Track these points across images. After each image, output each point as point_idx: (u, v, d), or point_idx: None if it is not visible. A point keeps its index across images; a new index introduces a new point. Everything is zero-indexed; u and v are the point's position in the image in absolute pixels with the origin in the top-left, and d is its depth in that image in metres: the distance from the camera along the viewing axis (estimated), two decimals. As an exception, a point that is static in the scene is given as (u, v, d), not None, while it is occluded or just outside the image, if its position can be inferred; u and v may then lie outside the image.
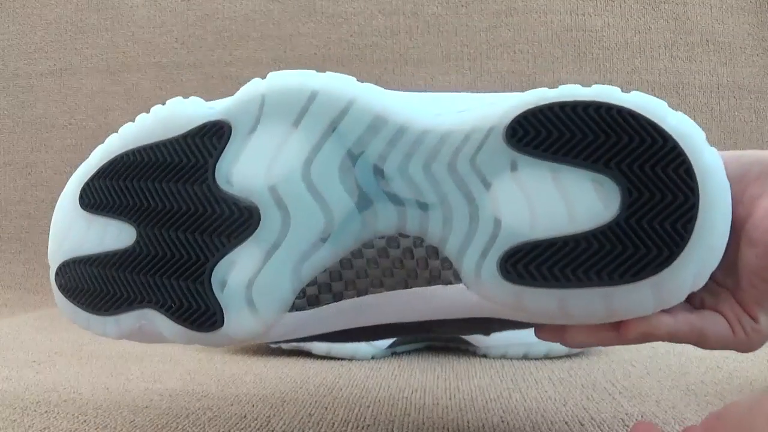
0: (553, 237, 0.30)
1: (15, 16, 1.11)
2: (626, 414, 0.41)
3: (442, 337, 0.59)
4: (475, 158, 0.31)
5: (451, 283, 0.36)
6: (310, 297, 0.38)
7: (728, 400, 0.44)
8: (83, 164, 0.37)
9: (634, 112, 0.30)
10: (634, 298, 0.30)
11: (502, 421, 0.40)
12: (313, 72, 0.34)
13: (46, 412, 0.42)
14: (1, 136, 1.07)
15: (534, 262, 0.30)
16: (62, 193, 0.37)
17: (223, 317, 0.33)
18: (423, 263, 0.37)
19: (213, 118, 0.34)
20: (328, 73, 0.34)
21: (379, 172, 0.32)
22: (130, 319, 0.35)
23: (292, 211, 0.32)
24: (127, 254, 0.35)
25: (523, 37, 0.92)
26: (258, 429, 0.39)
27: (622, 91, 0.30)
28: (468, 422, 0.40)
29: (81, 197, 0.36)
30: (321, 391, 0.46)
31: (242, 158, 0.33)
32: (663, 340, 0.31)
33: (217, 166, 0.33)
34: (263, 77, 0.34)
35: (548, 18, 0.92)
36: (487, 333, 0.40)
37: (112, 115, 1.01)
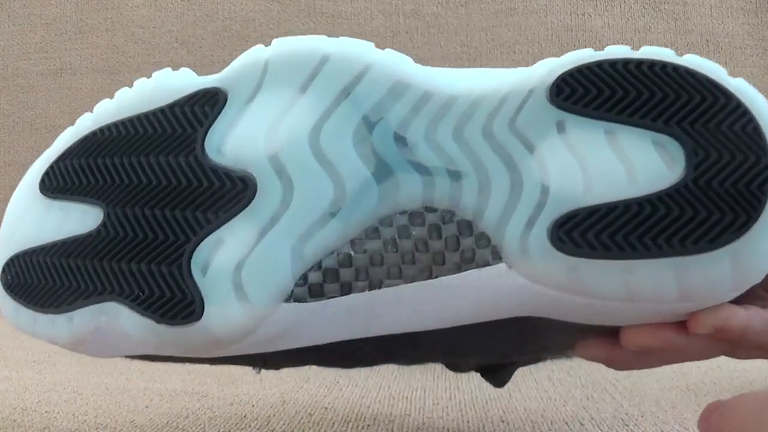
0: (613, 201, 0.27)
1: (15, 16, 1.11)
2: (626, 414, 0.41)
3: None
4: (514, 121, 0.28)
5: (488, 263, 0.30)
6: (312, 286, 0.31)
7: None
8: (47, 150, 0.33)
9: (691, 70, 0.28)
10: (711, 271, 0.27)
11: (502, 421, 0.40)
12: (325, 36, 0.31)
13: (46, 412, 0.42)
14: (1, 136, 1.07)
15: (592, 229, 0.27)
16: (20, 182, 0.34)
17: (202, 306, 0.28)
18: (453, 242, 0.31)
19: (206, 86, 0.31)
20: (342, 37, 0.31)
21: (400, 139, 0.29)
22: (86, 315, 0.30)
23: (295, 180, 0.29)
24: (90, 239, 0.30)
25: (523, 37, 0.92)
26: (258, 429, 0.39)
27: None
28: (468, 422, 0.40)
29: (42, 182, 0.33)
30: (321, 391, 0.46)
31: (238, 127, 0.30)
32: (734, 338, 0.28)
33: (207, 134, 0.30)
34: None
35: (548, 18, 0.92)
36: (521, 355, 0.35)
37: (112, 115, 1.01)
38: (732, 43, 0.89)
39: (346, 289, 0.31)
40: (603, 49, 0.29)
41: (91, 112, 0.32)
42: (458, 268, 0.31)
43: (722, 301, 0.27)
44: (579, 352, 0.31)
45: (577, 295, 0.28)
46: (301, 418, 0.41)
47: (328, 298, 0.30)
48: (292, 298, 0.30)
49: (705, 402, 0.43)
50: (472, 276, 0.30)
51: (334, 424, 0.40)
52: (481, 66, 0.93)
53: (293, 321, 0.30)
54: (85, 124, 0.32)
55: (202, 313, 0.28)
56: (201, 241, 0.29)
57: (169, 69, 0.32)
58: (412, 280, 0.31)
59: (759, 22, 0.91)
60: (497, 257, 0.30)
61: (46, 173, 0.32)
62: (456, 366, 0.37)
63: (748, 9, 0.91)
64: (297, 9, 0.97)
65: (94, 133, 0.31)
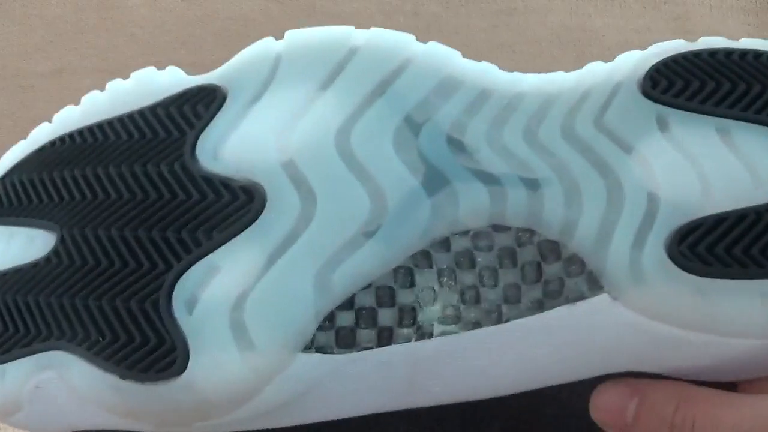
0: (741, 208, 0.23)
1: (15, 16, 1.11)
2: (626, 414, 0.41)
3: None
4: (601, 118, 0.25)
5: (583, 297, 0.24)
6: (341, 330, 0.24)
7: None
8: None
9: None
10: None
11: (502, 421, 0.40)
12: (353, 28, 0.26)
13: (46, 412, 0.42)
14: (1, 136, 1.07)
15: (722, 242, 0.23)
16: None
17: (186, 354, 0.21)
18: (532, 271, 0.25)
19: (200, 83, 0.26)
20: (374, 29, 0.26)
21: (456, 143, 0.24)
22: (24, 368, 0.23)
23: (319, 191, 0.23)
24: (37, 269, 0.24)
25: (523, 37, 0.92)
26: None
27: None
28: (468, 422, 0.40)
29: None
30: (321, 391, 0.46)
31: (241, 128, 0.24)
32: None
33: (199, 138, 0.24)
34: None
35: (548, 18, 0.92)
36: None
37: (112, 115, 1.01)
38: (732, 43, 0.89)
39: (385, 338, 0.24)
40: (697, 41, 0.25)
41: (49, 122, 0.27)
42: (540, 306, 0.25)
43: None
44: None
45: (707, 332, 0.23)
46: (301, 418, 0.41)
47: (362, 350, 0.24)
48: (314, 346, 0.23)
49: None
50: (560, 317, 0.24)
51: (334, 424, 0.39)
52: (481, 66, 0.93)
53: (312, 379, 0.23)
54: (40, 135, 0.27)
55: (186, 365, 0.22)
56: (186, 269, 0.23)
57: (152, 68, 0.27)
58: (474, 327, 0.24)
59: (759, 22, 0.90)
60: (596, 286, 0.24)
61: None
62: None
63: (748, 9, 0.91)
64: (297, 9, 0.97)
65: (51, 143, 0.26)
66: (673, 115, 0.24)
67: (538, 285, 0.25)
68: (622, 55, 0.26)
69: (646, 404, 0.24)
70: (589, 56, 0.98)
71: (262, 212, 0.22)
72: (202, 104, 0.24)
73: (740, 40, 0.25)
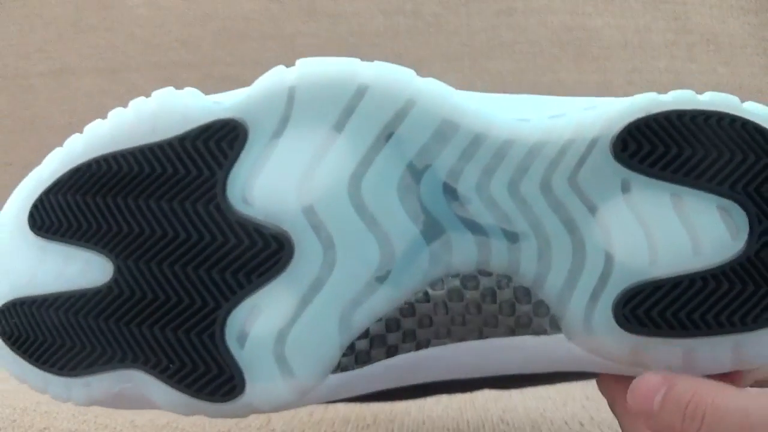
0: (678, 275, 0.25)
1: (15, 16, 1.11)
2: (626, 414, 0.41)
3: None
4: (575, 176, 0.26)
5: (545, 332, 0.30)
6: (359, 353, 0.30)
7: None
8: (32, 173, 0.29)
9: (759, 126, 0.26)
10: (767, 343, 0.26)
11: (502, 421, 0.40)
12: (358, 60, 0.28)
13: (46, 412, 0.42)
14: (1, 136, 1.07)
15: (657, 307, 0.26)
16: (1, 212, 0.29)
17: (243, 382, 0.25)
18: (508, 308, 0.30)
19: (221, 116, 0.26)
20: (377, 62, 0.27)
21: (450, 191, 0.26)
22: (106, 381, 0.27)
23: (336, 240, 0.25)
24: (102, 296, 0.26)
25: (523, 37, 0.92)
26: (258, 429, 0.39)
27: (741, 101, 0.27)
28: (468, 421, 0.40)
29: (31, 216, 0.28)
30: (321, 391, 0.46)
31: (264, 170, 0.26)
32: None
33: (228, 179, 0.26)
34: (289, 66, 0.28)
35: (548, 18, 0.92)
36: (551, 383, 0.35)
37: (112, 115, 1.01)
38: (732, 43, 0.89)
39: (392, 352, 0.31)
40: (666, 92, 0.27)
41: (81, 133, 0.29)
42: (511, 332, 0.30)
43: None
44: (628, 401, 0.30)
45: (635, 366, 0.27)
46: (301, 417, 0.41)
47: (374, 362, 0.30)
48: (339, 368, 0.30)
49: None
50: (526, 341, 0.29)
51: (334, 423, 0.40)
52: (480, 65, 0.93)
53: (337, 387, 0.29)
54: (76, 149, 0.28)
55: (244, 390, 0.26)
56: (234, 308, 0.26)
57: (171, 88, 0.28)
58: (461, 340, 0.30)
59: (759, 22, 0.90)
60: (556, 327, 0.29)
61: (35, 206, 0.28)
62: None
63: (748, 9, 0.91)
64: (297, 9, 0.97)
65: (89, 165, 0.27)
66: (635, 179, 0.26)
67: (512, 318, 0.30)
68: (598, 101, 0.28)
69: (670, 394, 0.25)
70: (589, 56, 0.99)
71: (291, 259, 0.26)
72: (226, 141, 0.26)
73: (705, 94, 0.27)
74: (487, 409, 0.42)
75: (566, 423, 0.40)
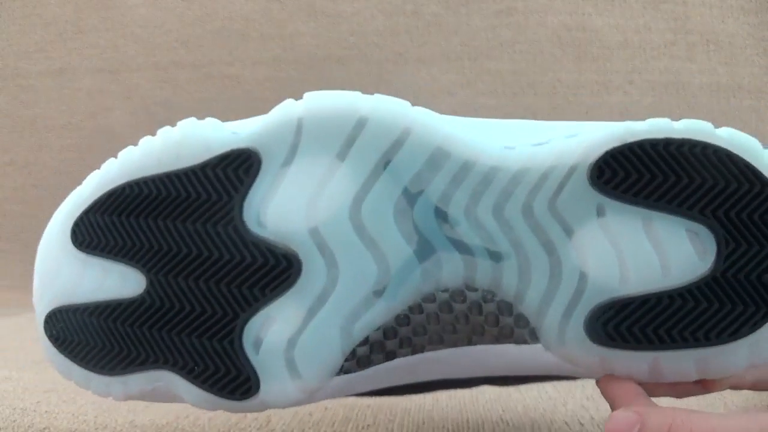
0: (646, 293, 0.28)
1: (15, 16, 1.11)
2: (626, 414, 0.41)
3: None
4: (555, 201, 0.28)
5: (525, 342, 0.33)
6: (360, 358, 0.33)
7: (728, 399, 0.44)
8: (74, 193, 0.32)
9: (730, 152, 0.27)
10: (729, 358, 0.28)
11: (502, 421, 0.40)
12: (359, 94, 0.30)
13: (46, 412, 0.42)
14: (1, 136, 1.07)
15: (625, 322, 0.28)
16: (48, 226, 0.32)
17: (258, 383, 0.28)
18: (493, 320, 0.33)
19: (238, 146, 0.29)
20: (377, 95, 0.29)
21: (441, 214, 0.28)
22: (141, 380, 0.30)
23: (339, 258, 0.28)
24: (136, 305, 0.30)
25: (523, 37, 0.92)
26: (258, 429, 0.39)
27: (714, 127, 0.28)
28: (468, 422, 0.40)
29: (74, 233, 0.31)
30: (321, 391, 0.46)
31: (276, 195, 0.29)
32: (746, 389, 0.31)
33: (245, 204, 0.29)
34: (274, 99, 0.30)
35: (548, 18, 0.92)
36: (542, 381, 0.38)
37: (112, 115, 1.01)
38: (732, 43, 0.89)
39: (390, 356, 0.34)
40: (645, 121, 0.28)
41: (115, 157, 0.32)
42: (496, 340, 0.33)
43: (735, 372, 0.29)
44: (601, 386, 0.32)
45: (605, 373, 0.29)
46: (301, 417, 0.41)
47: (374, 365, 0.33)
48: (342, 371, 0.33)
49: (705, 402, 0.43)
50: (509, 349, 0.32)
51: (334, 423, 0.40)
52: (480, 66, 0.93)
53: (342, 386, 0.32)
54: (111, 173, 0.31)
55: (259, 390, 0.29)
56: (251, 318, 0.29)
57: (194, 119, 0.30)
58: (453, 346, 0.33)
59: (759, 22, 0.91)
60: (535, 338, 0.32)
61: (77, 224, 0.31)
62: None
63: (748, 9, 0.91)
64: (297, 9, 0.97)
65: (123, 189, 0.30)
66: (609, 205, 0.28)
67: (496, 328, 0.33)
68: (580, 127, 0.30)
69: (645, 429, 0.27)
70: (589, 56, 0.99)
71: (299, 276, 0.28)
72: (242, 169, 0.29)
73: (681, 122, 0.28)
74: (487, 409, 0.42)
75: (566, 423, 0.40)
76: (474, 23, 0.94)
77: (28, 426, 0.39)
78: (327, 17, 0.97)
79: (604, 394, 0.30)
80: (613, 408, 0.29)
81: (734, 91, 0.86)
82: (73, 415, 0.41)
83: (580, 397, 0.45)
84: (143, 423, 0.40)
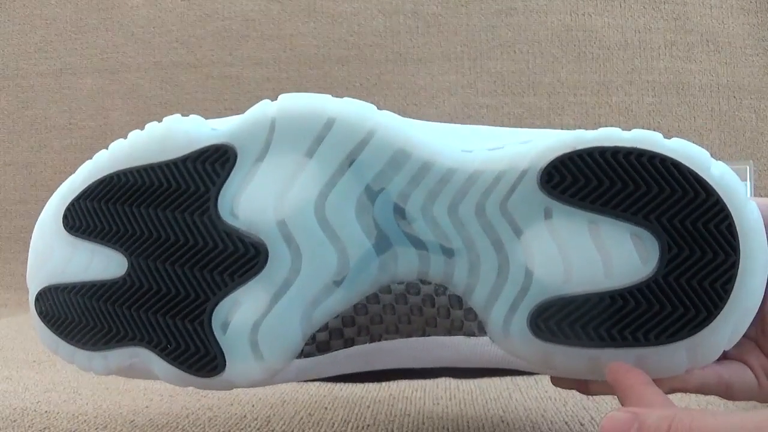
0: (588, 293, 0.29)
1: (15, 16, 1.11)
2: (626, 414, 0.41)
3: None
4: (506, 202, 0.30)
5: (474, 335, 0.34)
6: (320, 343, 0.35)
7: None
8: (67, 181, 0.34)
9: (677, 162, 0.28)
10: (668, 359, 0.29)
11: (502, 421, 0.40)
12: (329, 96, 0.31)
13: (46, 412, 0.42)
14: (1, 136, 1.07)
15: (567, 320, 0.29)
16: (43, 211, 0.34)
17: (224, 361, 0.30)
18: (444, 312, 0.35)
19: (216, 141, 0.31)
20: (345, 98, 0.31)
21: (400, 211, 0.30)
22: (119, 356, 0.32)
23: (303, 249, 0.30)
24: (117, 286, 0.32)
25: (523, 37, 0.92)
26: (258, 429, 0.39)
27: (664, 137, 0.29)
28: (468, 422, 0.40)
29: (65, 217, 0.33)
30: (321, 391, 0.46)
31: (249, 188, 0.31)
32: (691, 392, 0.31)
33: (219, 195, 0.31)
34: (273, 99, 0.31)
35: (548, 18, 0.92)
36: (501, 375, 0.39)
37: (112, 115, 1.01)
38: (732, 43, 0.89)
39: (349, 343, 0.35)
40: (597, 130, 0.29)
41: (106, 149, 0.33)
42: (448, 332, 0.34)
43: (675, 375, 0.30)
44: (553, 382, 0.33)
45: (548, 369, 0.31)
46: (301, 418, 0.41)
47: (333, 351, 0.34)
48: (302, 354, 0.34)
49: (705, 402, 0.43)
50: (459, 341, 0.33)
51: (334, 424, 0.40)
52: (480, 66, 0.93)
53: (303, 370, 0.33)
54: (103, 162, 0.32)
55: (224, 368, 0.30)
56: (220, 301, 0.30)
57: (178, 115, 0.32)
58: (408, 336, 0.35)
59: (759, 22, 0.91)
60: (482, 331, 0.34)
61: (68, 209, 0.33)
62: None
63: (748, 9, 0.91)
64: (297, 9, 0.97)
65: (111, 178, 0.32)
66: (557, 208, 0.29)
67: (448, 320, 0.34)
68: (535, 134, 0.31)
69: (644, 428, 0.27)
70: (589, 56, 0.99)
71: (266, 264, 0.30)
72: (219, 163, 0.31)
73: (632, 131, 0.29)
74: (487, 410, 0.42)
75: (566, 423, 0.40)
76: (474, 23, 0.94)
77: (28, 426, 0.39)
78: (327, 17, 0.97)
79: (614, 384, 0.30)
80: (622, 400, 0.29)
81: (734, 91, 0.86)
82: (73, 415, 0.41)
83: (580, 397, 0.45)
84: (143, 423, 0.40)
